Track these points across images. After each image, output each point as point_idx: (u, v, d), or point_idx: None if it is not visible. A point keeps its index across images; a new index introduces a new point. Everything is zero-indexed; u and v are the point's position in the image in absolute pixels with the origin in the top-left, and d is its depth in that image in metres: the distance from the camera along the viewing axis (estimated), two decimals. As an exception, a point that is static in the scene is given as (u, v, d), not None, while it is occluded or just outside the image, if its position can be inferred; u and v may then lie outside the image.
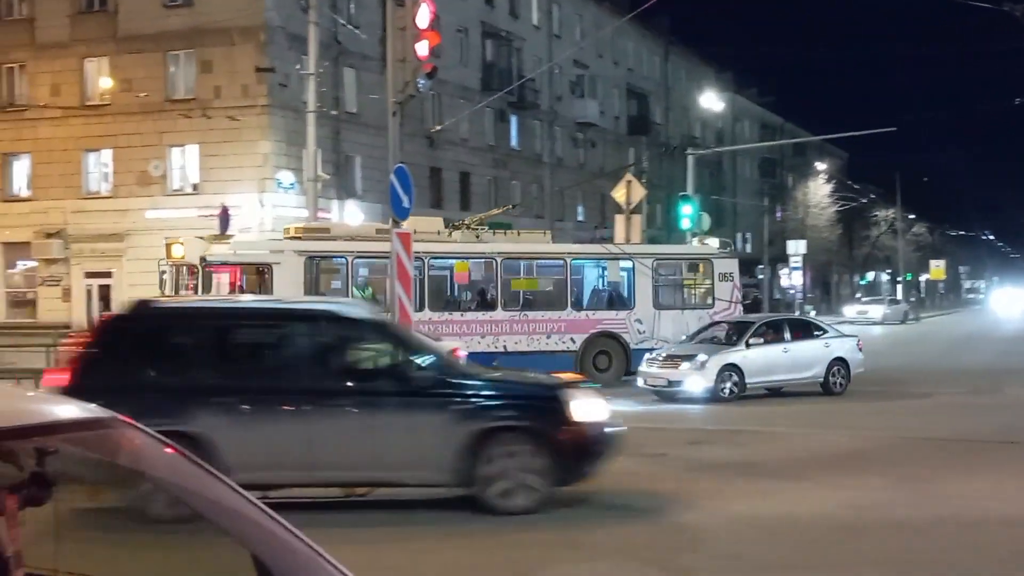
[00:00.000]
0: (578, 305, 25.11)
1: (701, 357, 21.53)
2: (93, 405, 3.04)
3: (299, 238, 23.44)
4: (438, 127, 39.71)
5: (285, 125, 38.22)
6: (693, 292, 26.44)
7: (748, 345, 21.89)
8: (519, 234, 26.81)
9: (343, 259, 23.33)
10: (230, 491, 2.78)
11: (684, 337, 23.91)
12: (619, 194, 31.01)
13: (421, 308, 22.62)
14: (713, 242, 29.87)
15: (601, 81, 64.82)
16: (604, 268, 25.83)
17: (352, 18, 40.83)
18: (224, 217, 30.02)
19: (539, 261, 25.31)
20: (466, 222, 26.79)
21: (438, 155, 48.27)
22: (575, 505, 10.79)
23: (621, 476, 11.80)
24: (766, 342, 22.27)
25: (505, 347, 23.78)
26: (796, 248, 57.63)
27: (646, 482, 12.25)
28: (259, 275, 22.54)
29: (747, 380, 21.68)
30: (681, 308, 25.80)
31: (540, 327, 24.45)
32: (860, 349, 23.79)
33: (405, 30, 15.75)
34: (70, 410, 2.78)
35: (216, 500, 2.77)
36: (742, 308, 26.37)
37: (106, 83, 40.10)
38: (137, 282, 36.97)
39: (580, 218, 60.34)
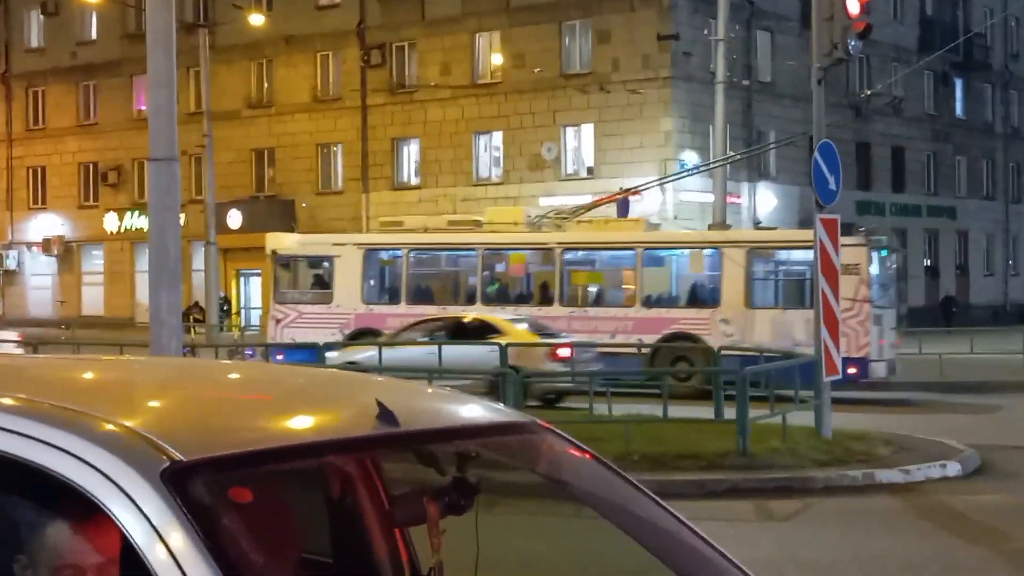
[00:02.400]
0: (650, 301, 24.18)
1: (331, 355, 20.35)
2: (509, 408, 3.19)
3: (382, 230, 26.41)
4: (867, 94, 38.50)
5: (689, 98, 38.48)
6: (800, 288, 23.54)
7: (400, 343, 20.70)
8: (607, 223, 26.10)
9: (399, 252, 25.61)
10: (653, 504, 2.82)
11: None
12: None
13: (473, 302, 24.42)
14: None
15: (1072, 32, 60.30)
16: (685, 259, 24.65)
17: (766, -27, 40.48)
18: (623, 203, 30.66)
19: (605, 252, 25.02)
20: (563, 213, 26.52)
21: (866, 128, 46.84)
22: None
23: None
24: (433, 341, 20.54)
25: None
26: None
27: None
28: (322, 267, 26.09)
29: None
30: (783, 307, 23.31)
31: (603, 325, 23.83)
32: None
33: (833, -16, 15.39)
34: (489, 413, 2.93)
35: (640, 516, 2.82)
36: (872, 310, 22.39)
37: (497, 59, 42.14)
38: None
39: (1043, 200, 56.50)
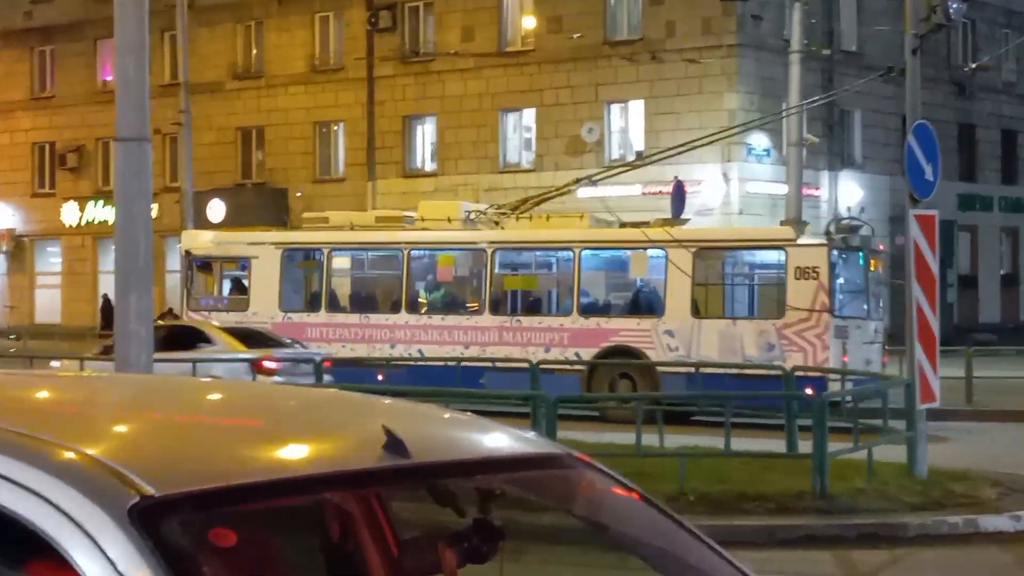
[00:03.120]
0: (588, 310, 24.89)
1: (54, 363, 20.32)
2: (540, 437, 3.20)
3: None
4: (972, 67, 38.35)
5: (758, 71, 38.42)
6: (755, 295, 24.97)
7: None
8: (548, 219, 26.60)
9: (320, 253, 26.73)
10: (713, 554, 2.83)
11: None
12: None
13: (397, 310, 25.69)
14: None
15: None
16: (627, 261, 25.37)
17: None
18: (678, 195, 30.64)
19: (540, 252, 26.02)
20: (505, 207, 27.43)
21: (971, 107, 46.63)
22: None
23: None
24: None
25: (493, 362, 24.19)
26: None
27: None
28: (240, 269, 27.37)
29: None
30: (732, 318, 24.11)
31: (536, 337, 24.68)
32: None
33: (931, -66, 15.34)
34: (516, 443, 2.94)
35: (697, 567, 2.82)
36: (832, 321, 22.88)
37: (530, 22, 42.20)
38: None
39: None
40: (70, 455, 2.37)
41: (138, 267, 11.62)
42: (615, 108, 41.06)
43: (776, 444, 16.10)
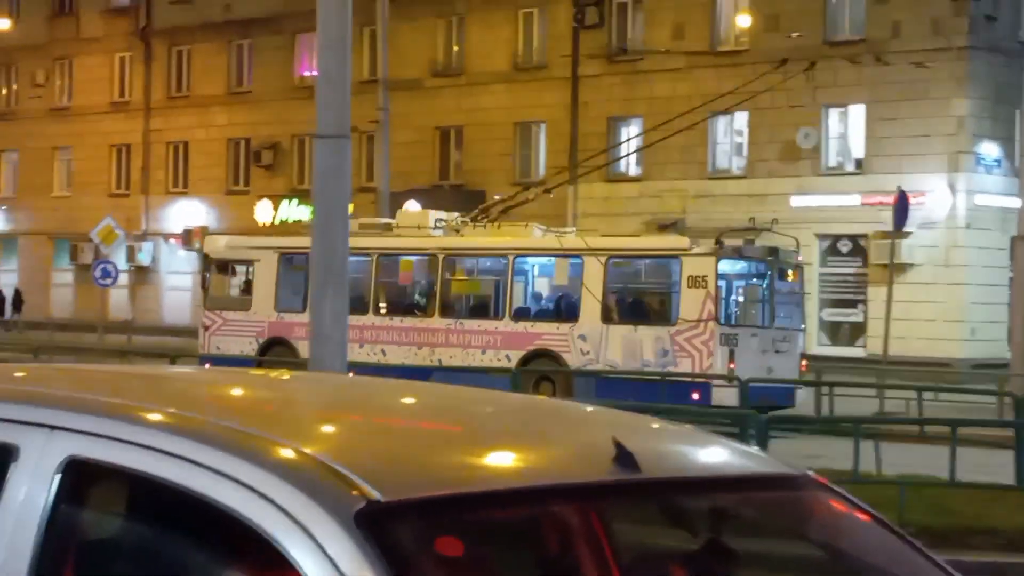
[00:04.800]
0: (518, 315, 27.67)
1: None
2: (767, 455, 3.14)
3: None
4: None
5: (991, 75, 37.50)
6: (653, 302, 27.15)
7: None
8: (499, 227, 29.52)
9: (305, 257, 29.49)
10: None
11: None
12: None
13: (364, 311, 28.17)
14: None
15: None
16: (551, 269, 28.09)
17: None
18: (901, 206, 30.06)
19: (481, 259, 28.96)
20: (465, 216, 30.46)
21: None
22: None
23: None
24: None
25: (440, 361, 27.59)
26: None
27: None
28: (245, 272, 31.09)
29: None
30: (634, 323, 26.16)
31: (476, 340, 27.64)
32: None
33: None
34: (747, 460, 2.89)
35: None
36: (717, 328, 25.19)
37: (744, 21, 41.86)
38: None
39: None
40: (290, 454, 2.40)
41: (335, 267, 11.82)
42: (834, 112, 40.47)
43: (1003, 475, 15.69)
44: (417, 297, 29.61)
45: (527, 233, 28.85)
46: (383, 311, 29.16)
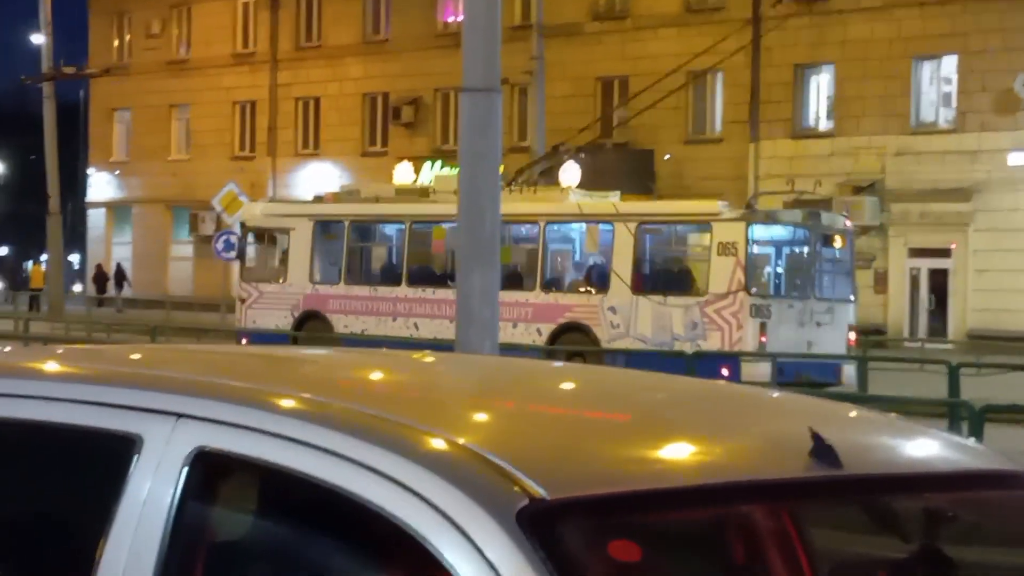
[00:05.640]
0: (549, 286, 28.96)
1: None
2: (984, 447, 3.09)
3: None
4: None
5: None
6: (683, 272, 27.96)
7: None
8: (535, 191, 30.76)
9: (341, 224, 31.81)
10: None
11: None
12: None
13: (399, 283, 30.44)
14: None
15: None
16: (582, 237, 29.39)
17: None
18: None
19: (515, 226, 29.13)
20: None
21: None
22: None
23: None
24: None
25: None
26: None
27: None
28: (281, 241, 32.60)
29: None
30: (664, 294, 27.09)
31: (508, 312, 27.21)
32: None
33: None
34: (963, 455, 2.86)
35: None
36: (747, 299, 25.84)
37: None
38: (987, 265, 37.47)
39: None
40: (442, 445, 2.42)
41: (483, 238, 11.81)
42: (1060, 56, 39.67)
43: None
44: (448, 267, 30.11)
45: (562, 198, 30.08)
46: (416, 283, 30.52)
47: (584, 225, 29.34)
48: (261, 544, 2.80)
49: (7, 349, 6.02)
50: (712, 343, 25.76)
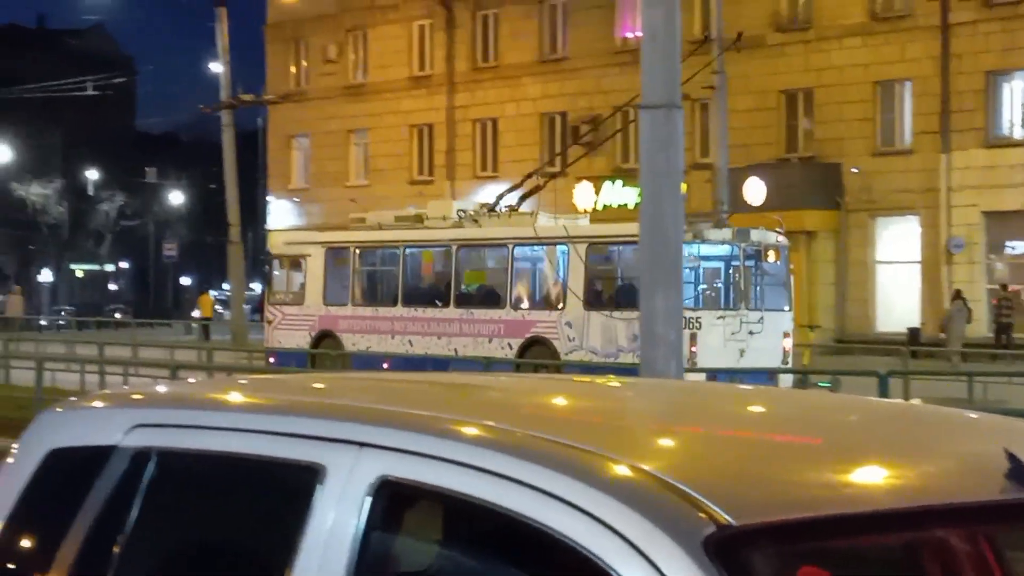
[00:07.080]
0: (517, 303, 31.90)
1: None
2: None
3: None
4: None
5: None
6: (625, 288, 29.21)
7: None
8: (510, 216, 33.70)
9: (348, 250, 35.48)
10: None
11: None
12: None
13: (395, 304, 34.08)
14: None
15: None
16: (543, 257, 31.96)
17: None
18: None
19: (488, 249, 33.19)
20: (486, 205, 35.18)
21: None
22: None
23: None
24: None
25: (456, 351, 31.80)
26: None
27: None
28: (300, 267, 36.43)
29: None
30: (610, 309, 29.74)
31: (483, 328, 31.89)
32: None
33: None
34: None
35: None
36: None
37: None
38: None
39: None
40: (626, 471, 2.43)
41: (667, 258, 11.79)
42: None
43: None
44: (437, 288, 34.04)
45: (530, 222, 32.60)
46: (409, 303, 33.72)
47: (544, 248, 31.75)
48: (446, 573, 2.84)
49: (191, 380, 6.15)
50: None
